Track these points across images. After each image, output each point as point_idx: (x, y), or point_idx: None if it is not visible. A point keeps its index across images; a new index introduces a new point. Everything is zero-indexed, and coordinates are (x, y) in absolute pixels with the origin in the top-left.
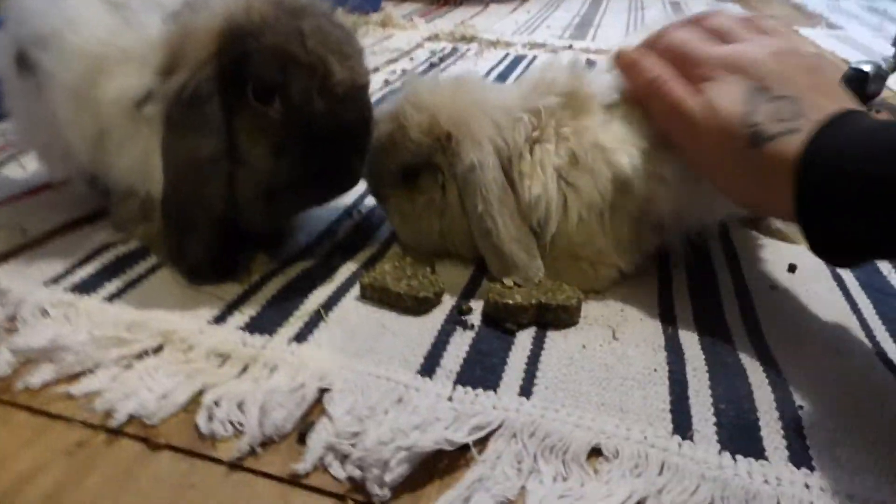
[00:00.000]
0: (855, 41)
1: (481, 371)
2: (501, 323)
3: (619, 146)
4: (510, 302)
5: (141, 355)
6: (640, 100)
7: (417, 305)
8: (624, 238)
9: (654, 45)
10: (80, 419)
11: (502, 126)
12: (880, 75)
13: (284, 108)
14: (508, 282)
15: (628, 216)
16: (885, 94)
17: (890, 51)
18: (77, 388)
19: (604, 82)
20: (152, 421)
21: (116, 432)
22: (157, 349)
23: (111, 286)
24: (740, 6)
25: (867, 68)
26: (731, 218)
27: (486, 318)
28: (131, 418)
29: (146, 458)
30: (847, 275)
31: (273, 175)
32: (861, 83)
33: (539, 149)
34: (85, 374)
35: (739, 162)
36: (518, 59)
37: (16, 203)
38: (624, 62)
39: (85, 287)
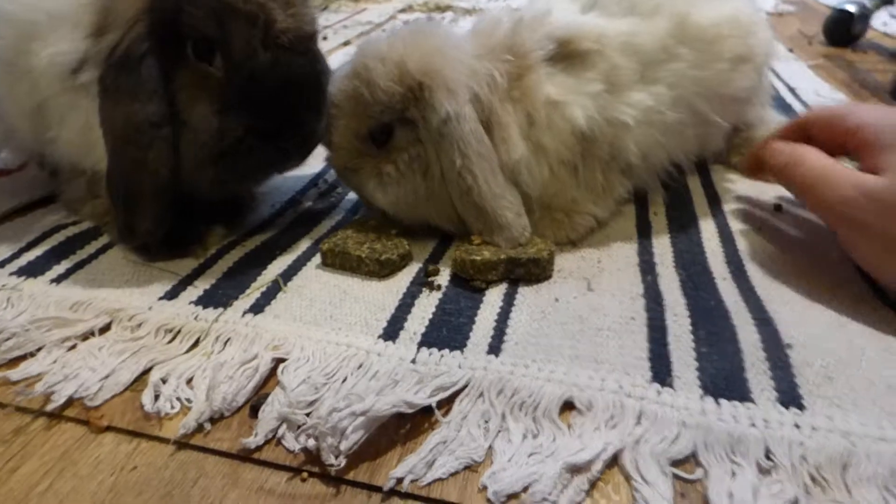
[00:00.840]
0: None
1: (448, 332)
2: (470, 281)
3: (571, 98)
4: (478, 258)
5: (86, 336)
6: (802, 195)
7: (380, 269)
8: (597, 185)
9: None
10: (17, 405)
11: (478, 72)
12: (864, 15)
13: (226, 63)
14: (476, 239)
15: (599, 162)
16: (869, 34)
17: None
18: (16, 373)
19: (538, 33)
20: (94, 402)
21: (56, 416)
22: (104, 329)
23: (59, 268)
24: None
25: (852, 9)
26: (706, 156)
27: (455, 277)
28: (72, 401)
29: (87, 442)
30: None
31: (219, 136)
32: (846, 23)
33: (502, 110)
34: (25, 357)
35: None
36: None
37: None
38: (775, 162)
39: (31, 270)
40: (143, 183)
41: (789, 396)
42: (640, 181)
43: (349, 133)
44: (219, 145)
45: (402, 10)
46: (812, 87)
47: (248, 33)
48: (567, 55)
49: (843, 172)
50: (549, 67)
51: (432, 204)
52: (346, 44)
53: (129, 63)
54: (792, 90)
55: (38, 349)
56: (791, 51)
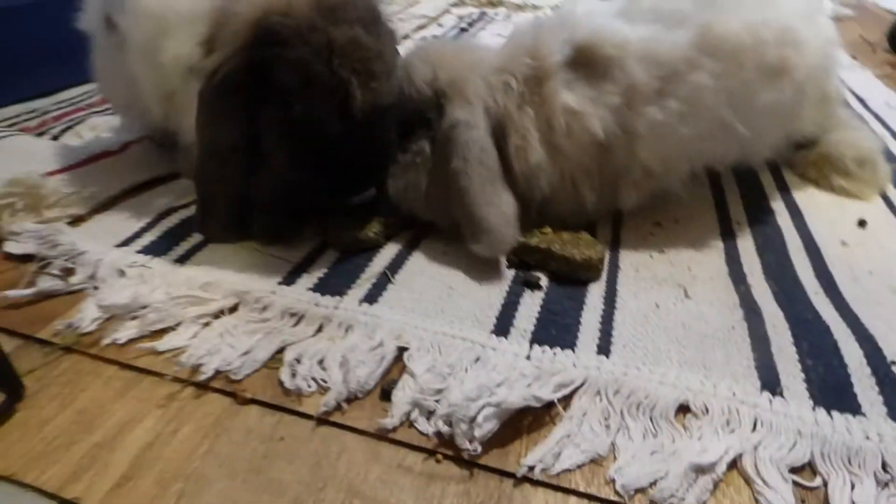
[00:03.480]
0: None
1: (556, 331)
2: (519, 258)
3: (591, 110)
4: (521, 239)
5: (217, 314)
6: None
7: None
8: (606, 197)
9: None
10: (168, 373)
11: (494, 87)
12: None
13: (304, 115)
14: (546, 228)
15: (615, 170)
16: None
17: None
18: (162, 344)
19: (559, 38)
20: (238, 376)
21: (204, 386)
22: (233, 308)
23: (179, 249)
24: None
25: None
26: (756, 162)
27: (553, 276)
28: (217, 373)
29: (235, 412)
30: None
31: (291, 181)
32: None
33: (522, 115)
34: (167, 331)
35: None
36: None
37: (78, 170)
38: None
39: (154, 249)
40: (217, 192)
41: None
42: (662, 186)
43: None
44: (291, 187)
45: (455, 4)
46: (882, 98)
47: (326, 103)
48: (587, 61)
49: None
50: (569, 73)
51: (428, 199)
52: (404, 37)
53: (224, 91)
54: (862, 101)
55: (177, 324)
56: (855, 58)
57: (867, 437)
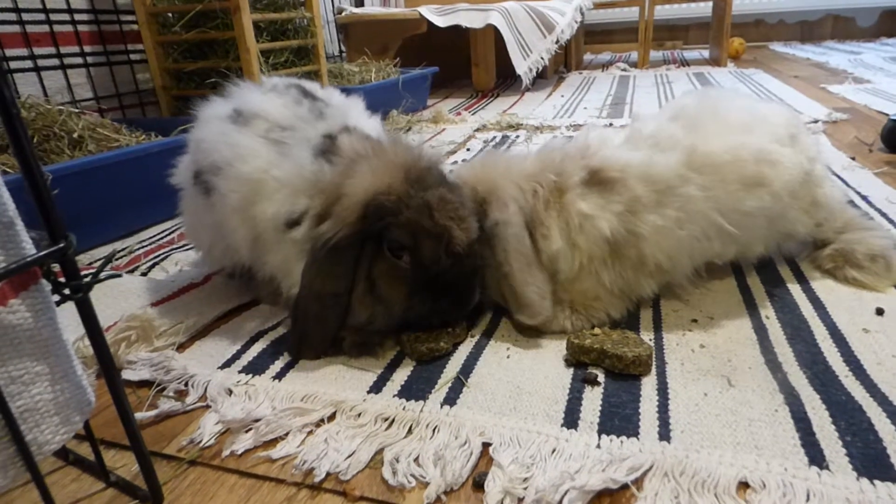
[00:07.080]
0: (886, 93)
1: (619, 421)
2: (575, 359)
3: (599, 213)
4: (576, 342)
5: (319, 423)
6: None
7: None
8: (625, 283)
9: None
10: (285, 478)
11: (524, 189)
12: None
13: (414, 261)
14: (596, 331)
15: (628, 262)
16: None
17: None
18: (276, 452)
19: (578, 164)
20: (346, 476)
21: (318, 488)
22: (331, 417)
23: (275, 367)
24: (763, 70)
25: None
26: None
27: (609, 373)
28: (328, 475)
29: None
30: None
31: (408, 313)
32: None
33: (545, 215)
34: (277, 440)
35: None
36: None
37: (172, 302)
38: None
39: (254, 368)
40: (315, 329)
41: None
42: (671, 279)
43: None
44: (406, 317)
45: (478, 129)
46: (883, 195)
47: (435, 246)
48: (598, 181)
49: None
50: (583, 189)
51: (488, 285)
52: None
53: (337, 251)
54: (864, 198)
55: (286, 433)
56: (853, 158)
57: None
